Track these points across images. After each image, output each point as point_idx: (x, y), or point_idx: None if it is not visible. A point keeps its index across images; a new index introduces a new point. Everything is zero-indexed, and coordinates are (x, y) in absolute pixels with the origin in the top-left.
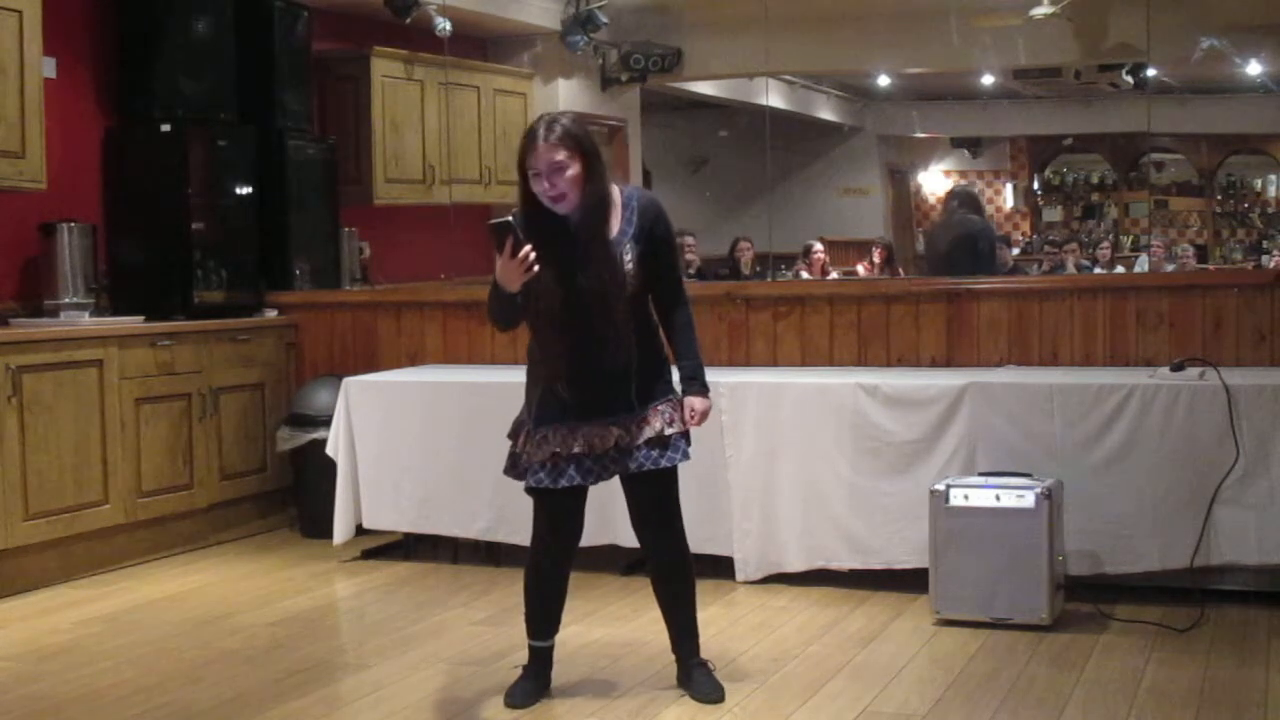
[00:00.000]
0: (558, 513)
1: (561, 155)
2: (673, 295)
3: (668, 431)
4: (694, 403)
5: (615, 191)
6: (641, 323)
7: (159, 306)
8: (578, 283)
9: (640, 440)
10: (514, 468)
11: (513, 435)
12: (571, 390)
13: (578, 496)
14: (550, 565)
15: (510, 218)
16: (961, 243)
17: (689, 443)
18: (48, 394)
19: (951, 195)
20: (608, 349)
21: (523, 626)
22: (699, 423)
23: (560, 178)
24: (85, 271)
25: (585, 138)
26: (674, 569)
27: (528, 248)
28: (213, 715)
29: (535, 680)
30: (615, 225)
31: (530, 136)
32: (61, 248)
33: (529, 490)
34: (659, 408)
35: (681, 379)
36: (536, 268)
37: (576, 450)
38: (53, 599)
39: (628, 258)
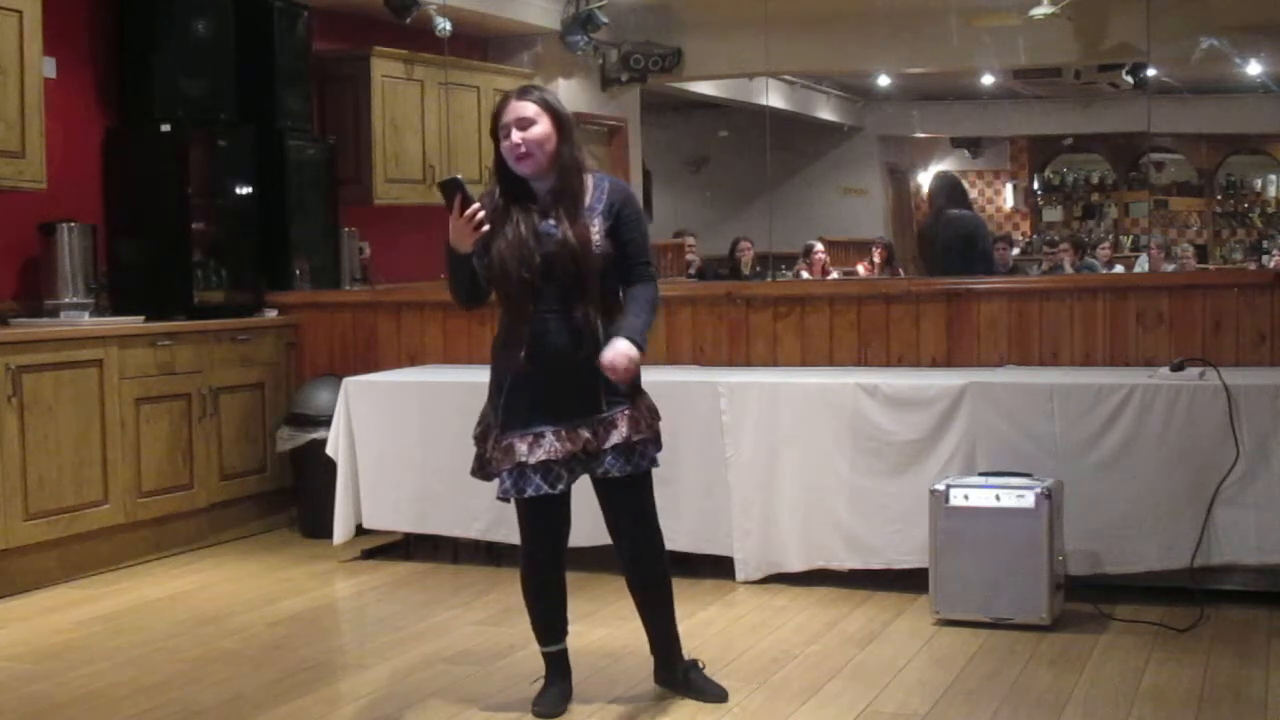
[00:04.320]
0: (535, 519)
1: (531, 112)
2: (639, 273)
3: (635, 438)
4: (616, 342)
5: (588, 177)
6: (607, 313)
7: (159, 306)
8: (546, 244)
9: (607, 445)
10: (481, 470)
11: (479, 439)
12: (533, 364)
13: (554, 501)
14: (539, 568)
15: (458, 174)
16: (959, 243)
17: (659, 447)
18: (48, 394)
19: (936, 189)
20: (574, 317)
21: (524, 626)
22: (622, 370)
23: (526, 133)
24: (85, 271)
25: (558, 105)
26: (650, 572)
27: (476, 205)
28: (213, 715)
29: (560, 687)
30: (586, 198)
31: (505, 97)
32: (61, 248)
33: (499, 499)
34: (626, 411)
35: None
36: (486, 226)
37: (541, 458)
38: (53, 599)
39: (595, 229)
